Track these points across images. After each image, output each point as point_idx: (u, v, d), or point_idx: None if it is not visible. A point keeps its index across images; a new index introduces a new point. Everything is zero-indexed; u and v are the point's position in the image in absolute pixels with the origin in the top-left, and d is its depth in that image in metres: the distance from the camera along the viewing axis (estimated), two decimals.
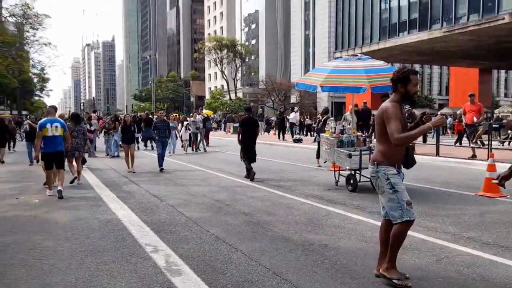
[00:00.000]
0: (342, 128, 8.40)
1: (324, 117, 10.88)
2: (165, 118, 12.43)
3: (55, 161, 7.65)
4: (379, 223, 5.48)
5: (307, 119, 32.66)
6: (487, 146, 11.41)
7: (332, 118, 10.89)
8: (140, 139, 18.45)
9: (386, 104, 3.59)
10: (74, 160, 9.02)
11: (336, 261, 4.16)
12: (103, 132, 16.66)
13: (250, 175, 9.50)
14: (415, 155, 11.04)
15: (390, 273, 3.55)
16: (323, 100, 57.50)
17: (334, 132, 8.39)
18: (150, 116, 20.22)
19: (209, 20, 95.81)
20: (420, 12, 28.58)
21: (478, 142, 12.06)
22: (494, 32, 23.98)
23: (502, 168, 9.11)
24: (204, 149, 18.00)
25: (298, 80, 8.34)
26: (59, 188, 7.45)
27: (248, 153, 9.71)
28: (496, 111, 31.79)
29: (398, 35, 30.39)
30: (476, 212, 6.14)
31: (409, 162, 3.93)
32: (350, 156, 7.61)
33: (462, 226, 5.36)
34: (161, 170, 10.96)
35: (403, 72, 3.55)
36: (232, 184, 8.90)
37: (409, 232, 5.09)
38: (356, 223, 5.60)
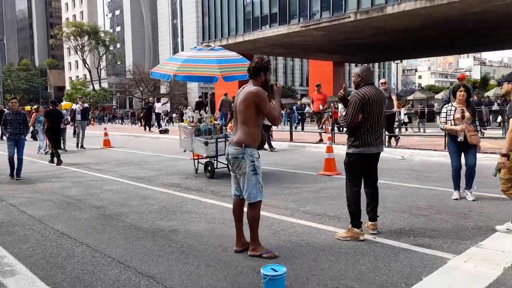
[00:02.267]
0: (200, 117, 8.61)
1: None
2: (20, 109, 9.59)
3: None
4: (230, 205, 5.85)
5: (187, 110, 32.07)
6: (330, 131, 12.82)
7: (190, 107, 11.06)
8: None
9: (253, 88, 3.78)
10: None
11: (182, 243, 4.32)
12: None
13: (57, 160, 10.45)
14: (272, 141, 11.93)
15: (258, 251, 3.86)
16: (194, 91, 57.68)
17: (192, 121, 8.55)
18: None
19: (66, 4, 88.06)
20: (279, 7, 30.35)
21: (323, 127, 13.46)
22: (343, 29, 26.71)
23: (338, 149, 10.37)
24: (82, 145, 14.88)
25: (153, 69, 8.29)
26: None
27: (54, 141, 10.82)
28: None
29: (261, 28, 31.87)
30: (315, 189, 6.91)
31: (262, 143, 4.22)
32: (206, 144, 7.86)
33: (301, 202, 5.99)
34: (17, 178, 8.60)
35: (266, 62, 3.90)
36: (87, 179, 8.49)
37: None
38: (208, 207, 5.85)
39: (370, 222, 4.46)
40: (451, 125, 5.82)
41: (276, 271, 3.07)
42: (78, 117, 15.17)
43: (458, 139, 5.73)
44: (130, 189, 7.33)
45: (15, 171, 8.73)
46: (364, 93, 4.24)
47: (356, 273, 3.46)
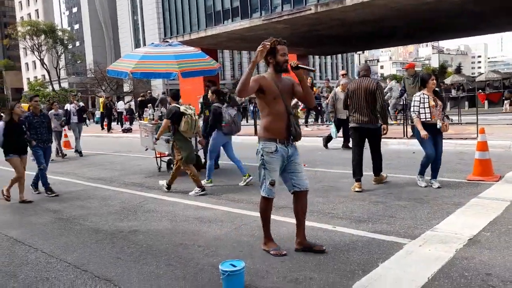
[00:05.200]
0: (160, 114, 8.46)
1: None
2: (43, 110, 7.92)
3: None
4: (192, 203, 5.83)
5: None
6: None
7: (150, 104, 10.86)
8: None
9: None
10: None
11: (142, 244, 4.24)
12: None
13: None
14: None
15: (268, 246, 3.77)
16: (158, 88, 56.76)
17: (153, 119, 8.39)
18: None
19: (20, 2, 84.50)
20: (241, 1, 30.23)
21: None
22: (305, 21, 26.86)
23: (301, 141, 10.44)
24: (80, 152, 12.49)
25: (109, 67, 8.07)
26: None
27: None
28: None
29: (224, 23, 31.65)
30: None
31: (294, 134, 3.68)
32: (168, 141, 7.73)
33: None
34: (53, 194, 6.90)
35: (270, 44, 3.56)
36: None
37: (215, 206, 5.52)
38: (170, 205, 5.76)
39: (374, 177, 6.27)
40: (426, 112, 5.71)
41: (235, 266, 3.06)
42: (74, 118, 12.66)
43: (438, 126, 5.65)
44: (90, 190, 7.14)
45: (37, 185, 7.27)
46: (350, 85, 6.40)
47: (315, 263, 3.49)
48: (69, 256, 3.99)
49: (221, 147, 7.27)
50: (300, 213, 3.81)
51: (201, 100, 8.64)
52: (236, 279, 3.03)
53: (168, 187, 6.60)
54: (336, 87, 10.85)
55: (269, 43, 3.51)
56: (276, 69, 3.63)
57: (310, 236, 4.09)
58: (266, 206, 3.80)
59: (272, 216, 4.82)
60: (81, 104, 14.15)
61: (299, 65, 3.62)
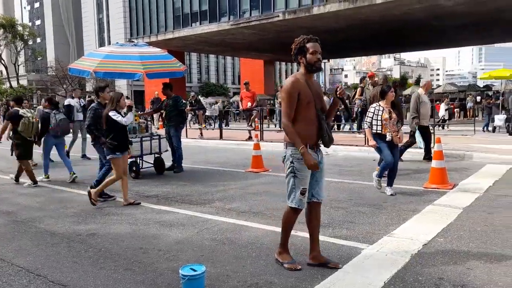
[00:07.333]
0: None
1: None
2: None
3: None
4: (154, 206, 5.74)
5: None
6: (259, 129, 12.98)
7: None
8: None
9: (287, 79, 3.40)
10: None
11: (101, 248, 4.13)
12: None
13: None
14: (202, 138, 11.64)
15: (282, 257, 3.53)
16: (122, 89, 55.58)
17: None
18: None
19: None
20: (209, 4, 30.16)
21: (253, 125, 13.57)
22: (273, 27, 27.10)
23: (266, 147, 10.56)
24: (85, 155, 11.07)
25: (71, 65, 7.83)
26: None
27: None
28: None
29: (191, 25, 31.44)
30: (241, 186, 6.94)
31: (326, 140, 3.41)
32: (130, 143, 7.56)
33: (227, 200, 5.99)
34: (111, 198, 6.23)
35: (298, 43, 3.36)
36: None
37: (177, 210, 5.47)
38: (131, 209, 5.64)
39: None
40: (378, 124, 5.90)
41: (195, 270, 3.03)
42: (79, 116, 10.44)
43: (387, 139, 5.84)
44: (48, 192, 6.90)
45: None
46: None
47: (276, 267, 3.51)
48: (22, 260, 3.84)
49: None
50: (316, 225, 3.59)
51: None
52: (196, 283, 3.01)
53: (16, 179, 7.74)
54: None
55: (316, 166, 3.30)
56: (307, 69, 3.39)
57: (272, 241, 4.13)
58: (293, 217, 3.50)
59: (245, 223, 4.83)
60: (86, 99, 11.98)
61: (343, 98, 3.48)
